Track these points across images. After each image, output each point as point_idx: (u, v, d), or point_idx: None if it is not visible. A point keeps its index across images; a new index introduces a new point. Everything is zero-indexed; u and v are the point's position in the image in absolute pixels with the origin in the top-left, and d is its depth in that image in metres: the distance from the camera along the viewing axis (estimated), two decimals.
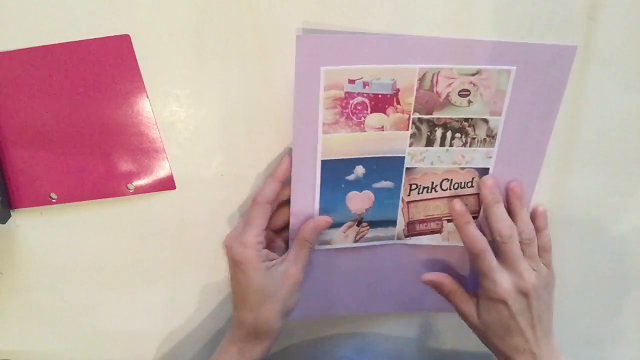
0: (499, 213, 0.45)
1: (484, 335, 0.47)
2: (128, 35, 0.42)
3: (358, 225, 0.48)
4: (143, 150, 0.46)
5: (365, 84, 0.42)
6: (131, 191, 0.47)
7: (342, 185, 0.47)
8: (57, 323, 0.54)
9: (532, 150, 0.46)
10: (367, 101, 0.43)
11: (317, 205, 0.47)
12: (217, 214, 0.48)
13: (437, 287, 0.49)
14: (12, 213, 0.48)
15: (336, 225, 0.48)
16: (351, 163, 0.46)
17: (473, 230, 0.46)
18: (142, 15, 0.41)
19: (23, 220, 0.48)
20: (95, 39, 0.41)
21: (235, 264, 0.46)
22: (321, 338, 0.57)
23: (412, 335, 0.55)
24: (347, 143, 0.45)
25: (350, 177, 0.46)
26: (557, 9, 0.41)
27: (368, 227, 0.49)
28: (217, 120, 0.45)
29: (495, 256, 0.45)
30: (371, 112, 0.43)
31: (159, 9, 0.41)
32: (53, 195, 0.47)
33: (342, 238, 0.49)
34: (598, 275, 0.53)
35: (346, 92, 0.42)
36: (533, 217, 0.47)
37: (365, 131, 0.44)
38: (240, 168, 0.47)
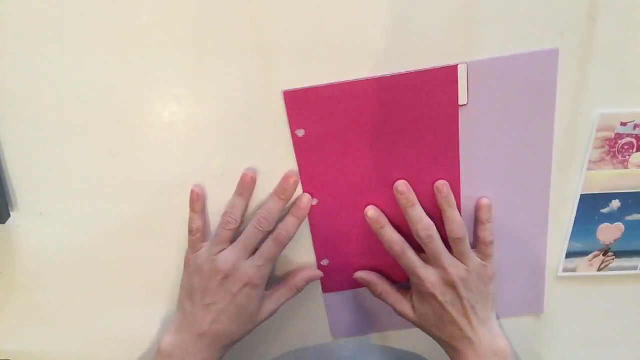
0: (414, 215, 0.46)
1: (423, 327, 0.50)
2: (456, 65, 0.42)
3: (604, 255, 0.51)
4: None
5: (636, 126, 0.45)
6: None
7: (596, 218, 0.49)
8: (57, 323, 0.54)
9: (539, 156, 0.46)
10: (634, 141, 0.46)
11: (568, 234, 0.50)
12: (217, 213, 0.48)
13: (368, 286, 0.51)
14: (11, 213, 0.48)
15: (583, 254, 0.50)
16: (608, 197, 0.48)
17: (389, 234, 0.48)
18: (141, 15, 0.41)
19: (23, 220, 0.48)
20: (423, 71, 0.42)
21: (245, 285, 0.46)
22: (322, 338, 0.57)
23: (413, 334, 0.55)
24: (609, 179, 0.47)
25: (605, 210, 0.48)
26: (557, 9, 0.41)
27: (614, 257, 0.51)
28: (217, 120, 0.45)
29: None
30: (637, 151, 0.46)
31: (158, 9, 0.41)
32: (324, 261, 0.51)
33: (587, 266, 0.51)
34: (598, 275, 0.53)
35: (616, 134, 0.45)
36: (476, 209, 0.48)
37: (627, 168, 0.47)
38: (240, 168, 0.47)
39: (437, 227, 0.47)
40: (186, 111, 0.45)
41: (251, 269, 0.46)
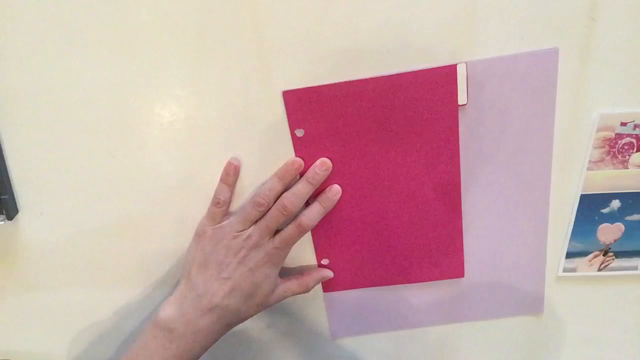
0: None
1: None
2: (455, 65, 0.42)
3: (604, 255, 0.51)
4: (442, 232, 0.49)
5: (636, 126, 0.45)
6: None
7: (596, 218, 0.49)
8: (57, 323, 0.54)
9: (539, 156, 0.47)
10: (634, 141, 0.46)
11: (568, 234, 0.50)
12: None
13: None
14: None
15: (583, 254, 0.50)
16: (608, 197, 0.48)
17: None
18: (142, 15, 0.41)
19: (24, 220, 0.48)
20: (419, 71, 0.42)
21: (264, 263, 0.47)
22: (321, 338, 0.57)
23: (412, 334, 0.55)
24: (609, 179, 0.47)
25: (605, 210, 0.48)
26: (557, 8, 0.41)
27: (614, 257, 0.51)
28: (217, 120, 0.45)
29: None
30: (637, 151, 0.46)
31: (158, 9, 0.41)
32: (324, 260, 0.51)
33: (587, 267, 0.52)
34: (598, 275, 0.53)
35: (616, 134, 0.46)
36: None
37: (627, 168, 0.47)
38: (240, 168, 0.47)
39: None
40: (186, 111, 0.45)
41: (272, 249, 0.47)
